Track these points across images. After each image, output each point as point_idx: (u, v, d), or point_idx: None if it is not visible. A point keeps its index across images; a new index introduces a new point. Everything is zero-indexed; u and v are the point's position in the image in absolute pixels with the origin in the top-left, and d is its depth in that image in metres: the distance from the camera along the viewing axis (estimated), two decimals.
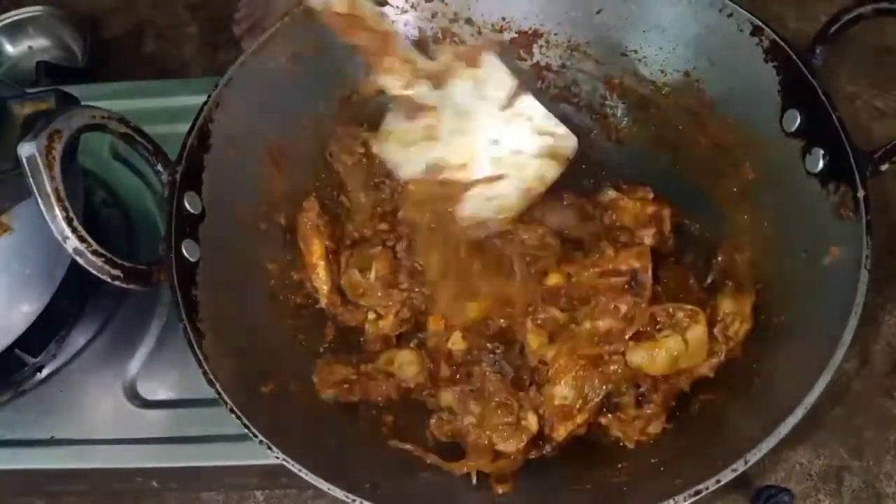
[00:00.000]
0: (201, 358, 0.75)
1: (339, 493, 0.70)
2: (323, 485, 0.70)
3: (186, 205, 0.83)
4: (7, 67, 1.36)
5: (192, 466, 0.94)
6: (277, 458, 0.72)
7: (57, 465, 0.95)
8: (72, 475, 0.96)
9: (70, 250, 0.70)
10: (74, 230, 0.70)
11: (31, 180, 0.68)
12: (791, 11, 1.21)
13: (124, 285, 0.74)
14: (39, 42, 1.37)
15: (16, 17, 1.35)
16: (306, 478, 0.71)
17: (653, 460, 0.78)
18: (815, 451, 0.97)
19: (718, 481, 0.68)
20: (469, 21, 1.00)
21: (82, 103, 0.88)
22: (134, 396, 0.98)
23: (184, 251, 0.81)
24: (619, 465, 0.79)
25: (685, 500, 0.68)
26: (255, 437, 0.72)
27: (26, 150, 0.68)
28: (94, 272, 0.72)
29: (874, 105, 1.14)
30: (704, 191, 0.94)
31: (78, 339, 1.01)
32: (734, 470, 0.68)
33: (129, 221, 1.08)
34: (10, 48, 1.37)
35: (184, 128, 0.85)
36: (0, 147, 0.82)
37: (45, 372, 1.00)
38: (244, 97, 0.90)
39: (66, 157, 0.70)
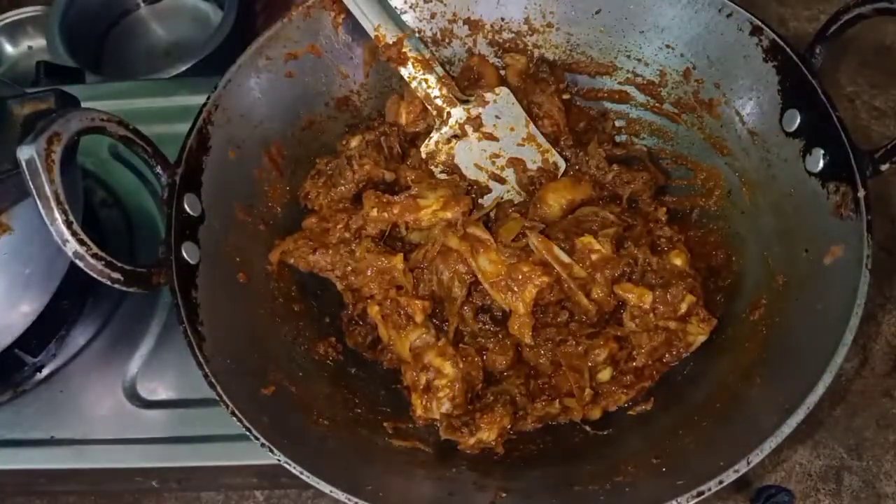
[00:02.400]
0: (202, 361, 0.75)
1: (340, 496, 0.70)
2: (325, 487, 0.70)
3: (186, 207, 0.82)
4: (7, 67, 1.37)
5: (191, 466, 0.94)
6: (279, 460, 0.72)
7: (56, 464, 0.95)
8: (71, 475, 0.96)
9: (70, 254, 0.70)
10: (74, 233, 0.69)
11: (30, 184, 0.68)
12: (791, 12, 1.21)
13: (125, 288, 0.74)
14: (39, 42, 1.37)
15: (15, 17, 1.36)
16: (308, 480, 0.71)
17: (654, 461, 0.78)
18: (815, 451, 0.97)
19: (721, 482, 0.68)
20: (468, 21, 1.00)
21: (82, 104, 0.88)
22: (133, 396, 0.98)
23: (184, 253, 0.80)
24: (622, 466, 0.78)
25: (688, 501, 0.68)
26: (257, 439, 0.72)
27: (25, 153, 0.67)
28: (95, 275, 0.72)
29: (874, 105, 1.14)
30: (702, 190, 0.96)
31: (78, 339, 1.01)
32: (737, 471, 0.68)
33: (129, 221, 1.08)
34: (9, 48, 1.38)
35: (183, 127, 0.85)
36: (0, 147, 0.82)
37: (44, 372, 0.99)
38: (243, 99, 0.90)
39: (65, 159, 0.70)
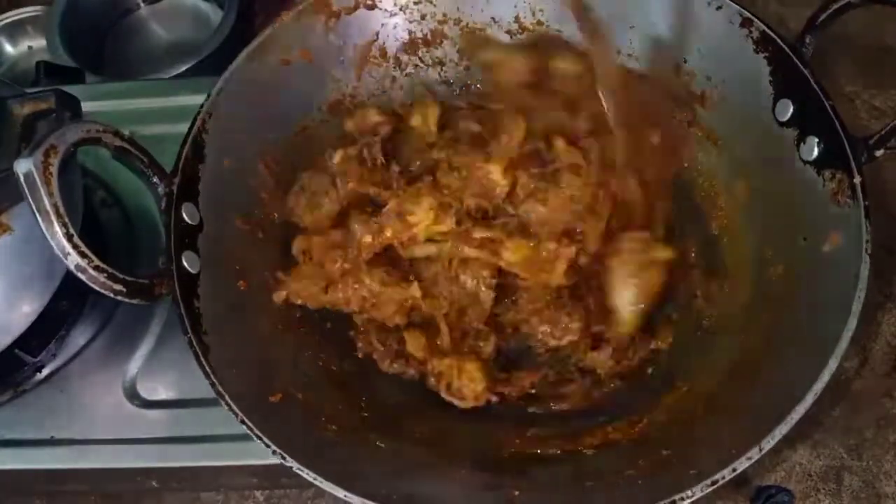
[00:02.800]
0: (209, 371, 0.75)
1: (355, 500, 0.70)
2: (339, 492, 0.70)
3: (185, 216, 0.83)
4: (7, 67, 1.38)
5: (191, 466, 0.94)
6: (292, 467, 0.72)
7: (57, 464, 0.95)
8: (72, 475, 0.96)
9: (72, 267, 0.70)
10: (75, 246, 0.70)
11: (29, 198, 0.68)
12: (791, 11, 1.21)
13: (127, 300, 0.74)
14: (39, 42, 1.38)
15: (15, 17, 1.37)
16: (323, 486, 0.71)
17: (664, 452, 0.78)
18: (815, 451, 0.96)
19: (735, 469, 0.68)
20: (458, 22, 1.01)
21: (82, 104, 0.89)
22: (134, 396, 0.98)
23: (184, 263, 0.81)
24: (633, 460, 0.78)
25: (702, 490, 0.67)
26: (268, 447, 0.72)
27: (23, 166, 0.67)
28: (97, 288, 0.72)
29: (873, 104, 1.14)
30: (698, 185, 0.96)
31: (78, 338, 1.01)
32: (749, 458, 0.68)
33: (129, 221, 1.08)
34: (9, 48, 1.39)
35: (183, 128, 0.86)
36: (0, 147, 0.83)
37: (45, 372, 1.00)
38: (236, 106, 0.91)
39: (63, 170, 0.70)
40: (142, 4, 1.43)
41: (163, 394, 0.98)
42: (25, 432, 0.97)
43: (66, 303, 0.98)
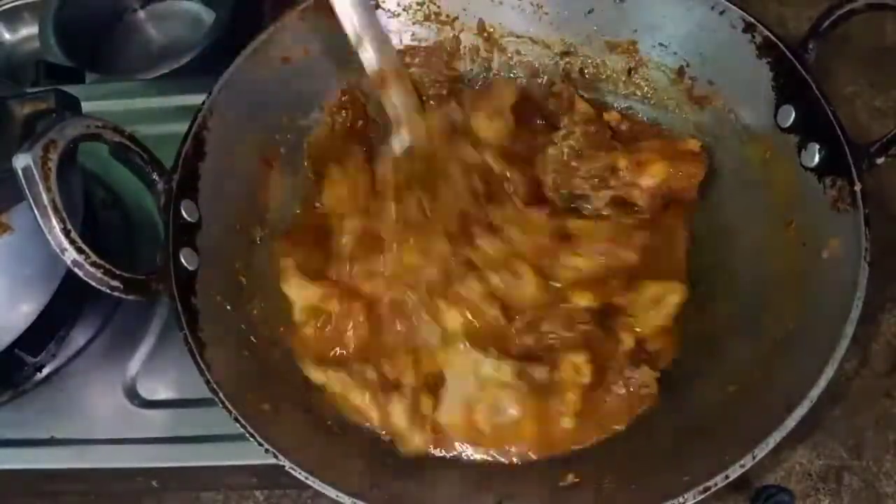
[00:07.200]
0: (203, 367, 0.75)
1: (346, 500, 0.71)
2: (331, 492, 0.71)
3: (183, 213, 0.83)
4: (4, 55, 1.37)
5: (191, 466, 0.94)
6: (284, 465, 0.72)
7: (57, 464, 0.95)
8: (71, 475, 0.96)
9: (68, 262, 0.70)
10: (72, 242, 0.70)
11: (27, 192, 0.68)
12: (792, 12, 1.21)
13: (123, 296, 0.74)
14: (36, 29, 1.35)
15: (12, 4, 1.34)
16: (313, 484, 0.71)
17: (658, 458, 0.78)
18: (815, 451, 0.96)
19: (727, 477, 0.68)
20: (458, 22, 1.00)
21: (82, 104, 0.88)
22: (134, 396, 0.98)
23: (182, 260, 0.80)
24: (626, 464, 0.79)
25: (695, 497, 0.68)
26: (261, 445, 0.72)
27: (21, 161, 0.67)
28: (93, 283, 0.72)
29: (873, 105, 1.13)
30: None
31: (78, 338, 1.01)
32: (742, 465, 0.68)
33: (129, 222, 1.08)
34: (6, 35, 1.37)
35: (183, 128, 0.85)
36: (0, 147, 0.82)
37: (44, 372, 1.00)
38: (238, 103, 0.90)
39: (63, 166, 0.70)
40: (137, 7, 1.42)
41: (163, 394, 0.98)
42: (25, 432, 0.97)
43: (66, 303, 0.97)
